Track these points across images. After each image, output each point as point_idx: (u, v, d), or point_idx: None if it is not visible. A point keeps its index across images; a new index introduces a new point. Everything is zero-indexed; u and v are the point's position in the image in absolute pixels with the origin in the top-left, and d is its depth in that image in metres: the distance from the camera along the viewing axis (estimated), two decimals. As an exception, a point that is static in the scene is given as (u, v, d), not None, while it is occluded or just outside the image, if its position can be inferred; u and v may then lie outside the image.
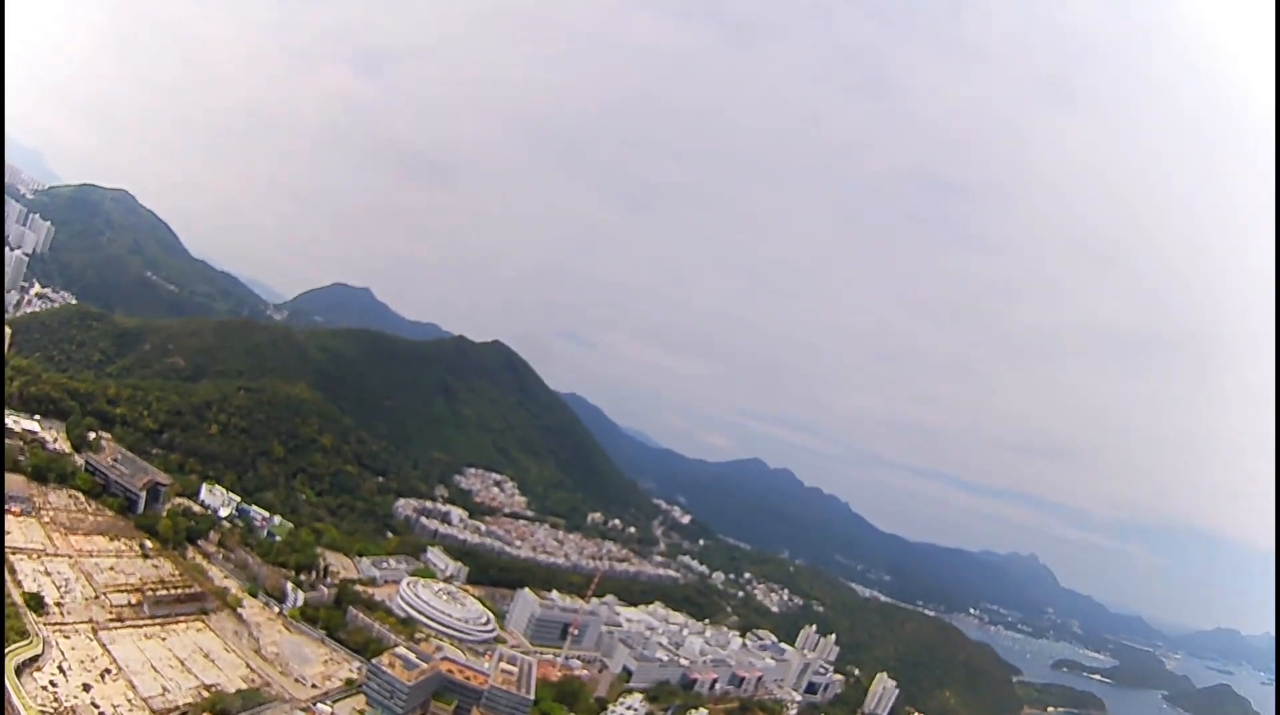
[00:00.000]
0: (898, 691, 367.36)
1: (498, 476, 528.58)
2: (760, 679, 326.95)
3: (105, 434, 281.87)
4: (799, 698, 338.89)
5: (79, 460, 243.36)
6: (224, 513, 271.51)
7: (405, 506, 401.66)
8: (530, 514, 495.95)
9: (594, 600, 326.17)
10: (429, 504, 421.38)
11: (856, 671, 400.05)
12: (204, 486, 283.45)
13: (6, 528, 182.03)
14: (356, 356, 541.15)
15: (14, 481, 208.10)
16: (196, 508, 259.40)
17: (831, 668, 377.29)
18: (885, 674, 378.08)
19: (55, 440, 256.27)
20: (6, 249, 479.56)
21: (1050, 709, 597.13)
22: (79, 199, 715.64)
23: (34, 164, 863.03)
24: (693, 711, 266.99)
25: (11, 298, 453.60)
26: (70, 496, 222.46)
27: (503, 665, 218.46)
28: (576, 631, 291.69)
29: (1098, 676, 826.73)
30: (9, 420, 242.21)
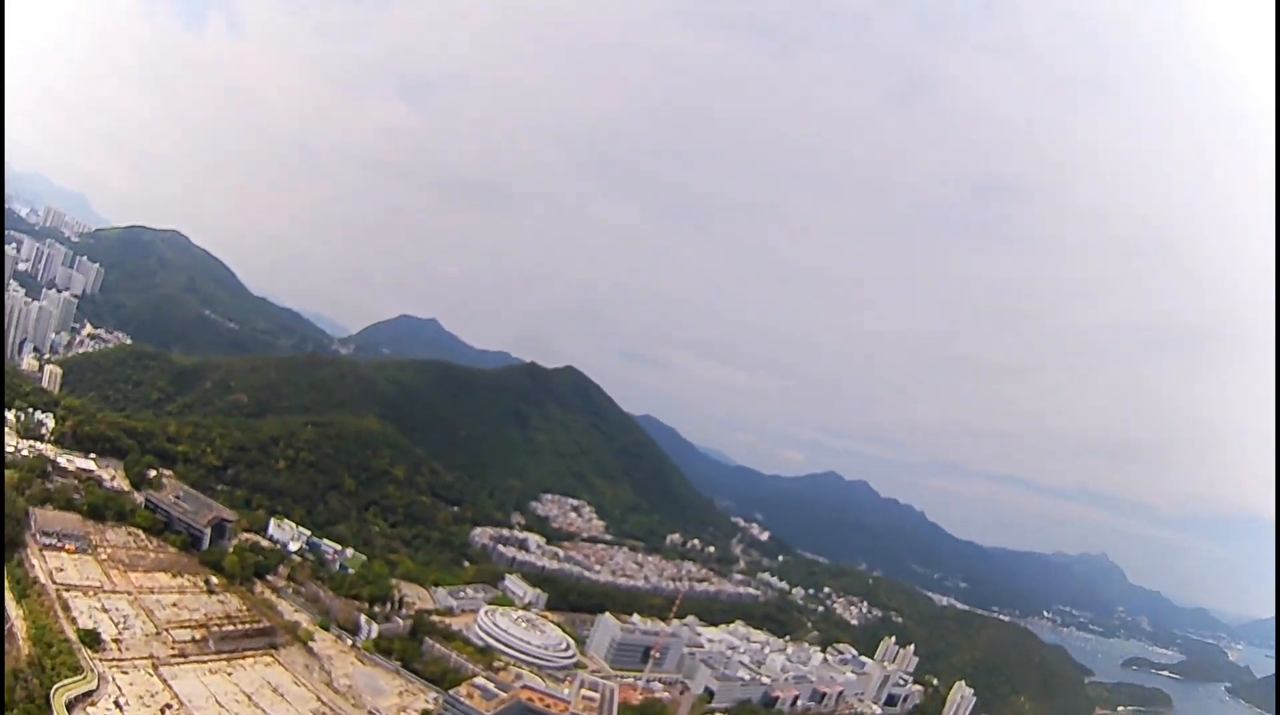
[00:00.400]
0: (974, 700, 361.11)
1: (575, 501, 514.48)
2: (841, 694, 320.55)
3: (166, 471, 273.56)
4: (879, 711, 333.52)
5: (138, 498, 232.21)
6: (293, 547, 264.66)
7: (481, 535, 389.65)
8: (608, 538, 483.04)
9: (675, 621, 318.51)
10: (506, 532, 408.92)
11: (935, 681, 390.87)
12: (272, 521, 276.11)
13: (60, 565, 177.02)
14: (426, 387, 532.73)
15: (68, 520, 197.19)
16: (264, 543, 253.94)
17: (910, 679, 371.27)
18: (962, 682, 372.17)
19: (113, 478, 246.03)
20: (55, 292, 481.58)
21: (1120, 709, 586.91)
22: (128, 240, 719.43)
23: (79, 207, 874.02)
24: None
25: (62, 339, 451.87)
26: (130, 534, 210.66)
27: (584, 691, 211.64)
28: (658, 654, 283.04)
29: (1165, 673, 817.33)
30: (63, 459, 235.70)
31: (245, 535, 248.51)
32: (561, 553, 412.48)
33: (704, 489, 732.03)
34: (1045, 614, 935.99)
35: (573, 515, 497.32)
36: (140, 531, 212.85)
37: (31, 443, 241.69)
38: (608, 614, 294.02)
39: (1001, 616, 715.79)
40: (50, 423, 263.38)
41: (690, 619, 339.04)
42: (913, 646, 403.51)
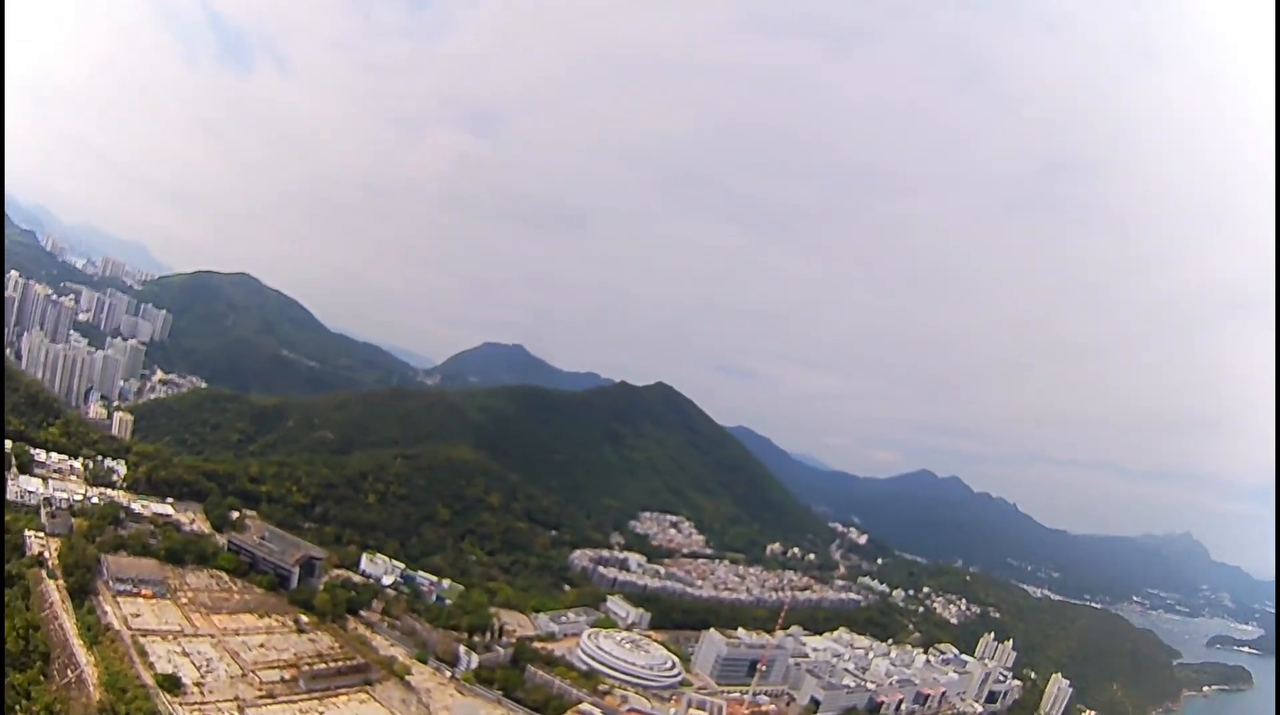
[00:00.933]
0: (1070, 690, 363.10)
1: (673, 518, 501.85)
2: (944, 694, 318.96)
3: (250, 512, 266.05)
4: (980, 709, 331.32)
5: (220, 540, 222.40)
6: (387, 581, 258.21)
7: (581, 557, 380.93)
8: (709, 552, 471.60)
9: (780, 633, 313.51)
10: (605, 552, 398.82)
11: (1033, 675, 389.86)
12: (364, 556, 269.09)
13: (136, 610, 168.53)
14: (516, 413, 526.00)
15: (145, 565, 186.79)
16: (357, 579, 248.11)
17: (1010, 674, 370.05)
18: (1059, 674, 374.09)
19: (192, 522, 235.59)
20: (121, 340, 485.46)
21: (1205, 689, 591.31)
22: (195, 285, 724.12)
23: (138, 256, 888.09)
24: None
25: (131, 386, 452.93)
26: (212, 577, 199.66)
27: (692, 710, 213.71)
28: (765, 667, 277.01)
29: (1246, 649, 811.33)
30: (137, 505, 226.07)
31: (336, 571, 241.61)
32: (662, 570, 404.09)
33: (801, 496, 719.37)
34: (1135, 598, 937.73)
35: (672, 531, 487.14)
36: (224, 574, 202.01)
37: (102, 490, 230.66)
38: (713, 630, 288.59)
39: (1094, 604, 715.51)
40: (121, 469, 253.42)
41: (795, 629, 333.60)
42: (1011, 641, 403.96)
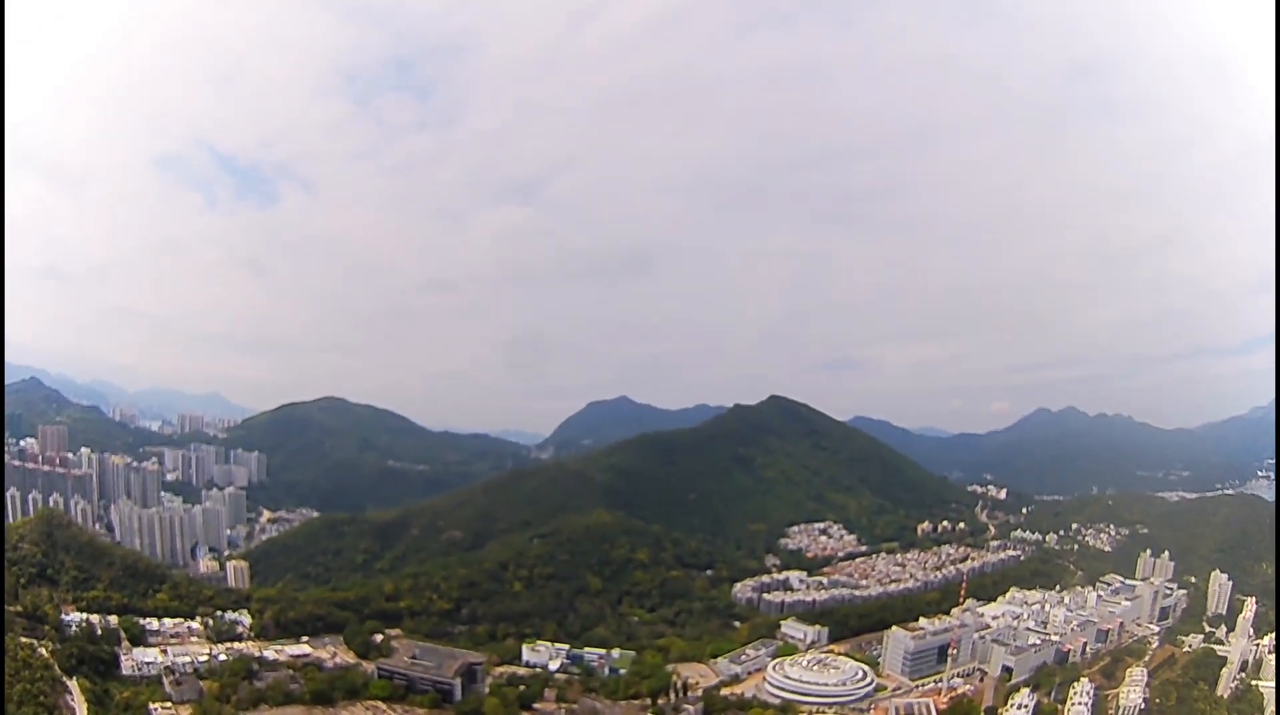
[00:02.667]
0: (1231, 584, 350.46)
1: (821, 525, 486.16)
2: (1121, 625, 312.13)
3: (393, 631, 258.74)
4: (1156, 628, 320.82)
5: (368, 668, 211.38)
6: (554, 666, 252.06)
7: (744, 590, 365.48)
8: (864, 549, 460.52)
9: (956, 612, 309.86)
10: (766, 578, 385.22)
11: (1193, 579, 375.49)
12: (524, 648, 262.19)
13: None
14: (640, 464, 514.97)
15: (291, 713, 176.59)
16: (522, 671, 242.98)
17: (1176, 585, 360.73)
18: (1216, 571, 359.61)
19: (334, 656, 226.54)
20: (217, 490, 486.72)
21: None
22: (282, 420, 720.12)
23: (215, 406, 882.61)
24: (1073, 686, 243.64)
25: (240, 532, 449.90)
26: (368, 709, 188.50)
27: None
28: (955, 651, 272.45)
29: None
30: (269, 652, 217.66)
31: (499, 670, 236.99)
32: (825, 580, 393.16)
33: (933, 468, 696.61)
34: (1260, 474, 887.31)
35: (823, 539, 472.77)
36: (380, 703, 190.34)
37: (229, 645, 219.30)
38: (895, 627, 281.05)
39: (1226, 491, 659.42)
40: (246, 619, 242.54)
41: (969, 603, 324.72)
42: (1167, 553, 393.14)
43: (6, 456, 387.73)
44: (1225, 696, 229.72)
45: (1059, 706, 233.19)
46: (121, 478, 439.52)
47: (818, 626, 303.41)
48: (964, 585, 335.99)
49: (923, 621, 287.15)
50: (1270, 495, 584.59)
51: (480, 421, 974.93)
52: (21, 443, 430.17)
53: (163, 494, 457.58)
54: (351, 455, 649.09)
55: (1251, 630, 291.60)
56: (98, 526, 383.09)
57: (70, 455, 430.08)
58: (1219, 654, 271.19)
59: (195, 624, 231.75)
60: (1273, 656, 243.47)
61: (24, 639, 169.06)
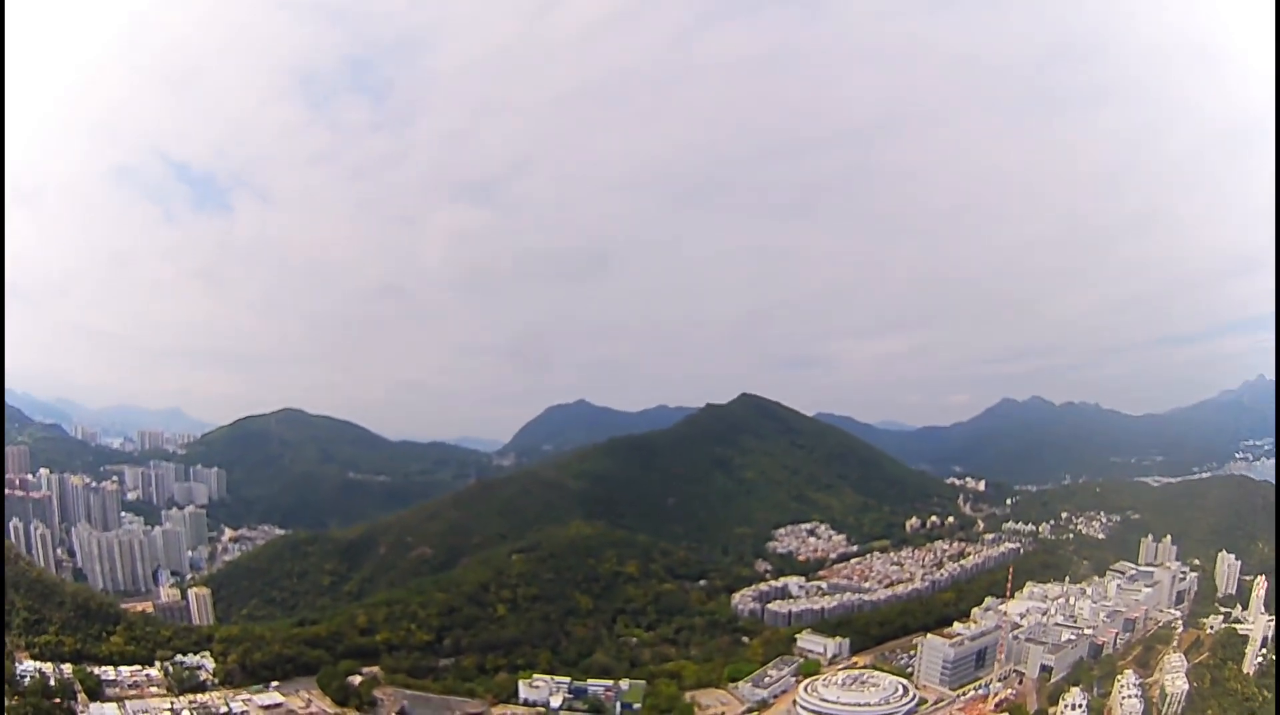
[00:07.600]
0: (1239, 563, 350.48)
1: (807, 525, 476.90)
2: (1145, 612, 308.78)
3: (371, 669, 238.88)
4: (1177, 613, 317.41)
5: None
6: (557, 703, 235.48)
7: (743, 600, 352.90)
8: (855, 549, 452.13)
9: (977, 611, 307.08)
10: (764, 587, 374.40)
11: (1197, 561, 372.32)
12: (520, 684, 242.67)
13: None
14: (614, 470, 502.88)
15: None
16: (521, 710, 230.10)
17: (1187, 569, 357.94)
18: (1224, 552, 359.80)
19: (308, 705, 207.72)
20: (177, 509, 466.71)
21: None
22: (240, 435, 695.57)
23: (175, 421, 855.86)
24: (1116, 680, 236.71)
25: (202, 553, 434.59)
26: None
27: None
28: (1002, 655, 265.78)
29: None
30: (238, 703, 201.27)
31: (496, 711, 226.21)
32: (825, 585, 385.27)
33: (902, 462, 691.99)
34: (1236, 455, 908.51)
35: (812, 540, 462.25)
36: None
37: (191, 697, 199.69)
38: (930, 635, 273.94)
39: (1205, 475, 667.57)
40: (209, 663, 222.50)
41: (988, 600, 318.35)
42: (1169, 537, 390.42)
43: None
44: (1251, 674, 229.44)
45: (1104, 702, 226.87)
46: (81, 499, 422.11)
47: (837, 639, 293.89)
48: (1009, 581, 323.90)
49: (958, 626, 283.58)
50: (1255, 475, 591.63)
51: (437, 429, 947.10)
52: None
53: (123, 514, 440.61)
54: (312, 468, 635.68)
55: (1263, 608, 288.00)
56: (59, 551, 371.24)
57: (30, 476, 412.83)
58: (1240, 633, 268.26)
59: (155, 670, 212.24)
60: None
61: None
